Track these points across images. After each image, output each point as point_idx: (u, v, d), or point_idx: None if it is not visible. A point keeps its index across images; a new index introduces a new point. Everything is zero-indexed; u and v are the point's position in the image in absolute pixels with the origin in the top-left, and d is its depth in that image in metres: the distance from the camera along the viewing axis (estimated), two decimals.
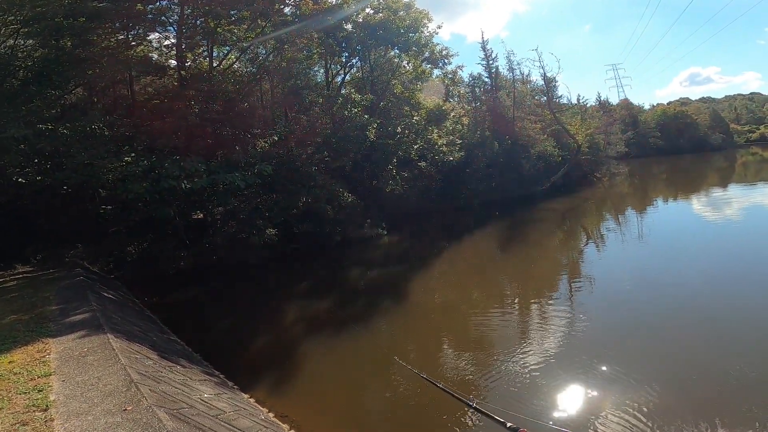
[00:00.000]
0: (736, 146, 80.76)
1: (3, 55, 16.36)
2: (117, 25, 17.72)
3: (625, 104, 73.78)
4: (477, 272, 15.67)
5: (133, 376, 4.86)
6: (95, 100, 20.39)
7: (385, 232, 22.07)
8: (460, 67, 35.45)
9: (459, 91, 36.58)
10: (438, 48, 27.23)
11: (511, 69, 37.36)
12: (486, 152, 30.48)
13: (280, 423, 5.61)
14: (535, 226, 23.56)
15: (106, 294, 10.49)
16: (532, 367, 7.18)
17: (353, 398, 6.91)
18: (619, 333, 8.50)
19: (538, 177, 33.98)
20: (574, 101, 48.97)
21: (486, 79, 36.55)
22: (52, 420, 3.75)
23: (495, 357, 7.79)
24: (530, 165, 33.18)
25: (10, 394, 4.24)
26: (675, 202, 28.41)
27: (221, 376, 7.38)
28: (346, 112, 20.52)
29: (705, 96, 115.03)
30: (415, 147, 23.10)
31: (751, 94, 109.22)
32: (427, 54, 26.30)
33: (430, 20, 25.60)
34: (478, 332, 9.39)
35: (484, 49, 35.89)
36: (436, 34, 28.34)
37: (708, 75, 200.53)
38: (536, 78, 40.77)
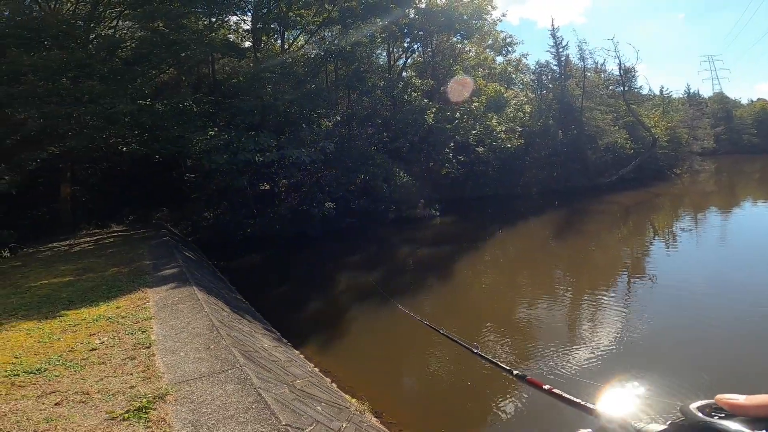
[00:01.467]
0: None
1: (109, 36, 18.61)
2: (201, 9, 19.25)
3: (719, 98, 67.04)
4: (528, 259, 15.45)
5: (214, 322, 5.90)
6: (183, 78, 22.65)
7: (438, 213, 22.47)
8: (525, 56, 34.43)
9: (523, 79, 35.53)
10: (502, 35, 26.68)
11: (582, 58, 35.18)
12: (549, 141, 29.52)
13: (323, 376, 6.51)
14: (596, 218, 22.68)
15: (186, 253, 12.07)
16: (576, 364, 6.72)
17: (388, 360, 7.70)
18: (681, 337, 7.68)
19: (605, 168, 32.34)
20: (657, 93, 45.14)
21: (554, 67, 35.07)
22: (153, 355, 4.66)
23: (537, 348, 7.48)
24: (597, 156, 31.66)
25: (119, 335, 5.20)
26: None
27: (277, 333, 8.44)
28: (405, 96, 20.93)
29: None
30: (473, 132, 23.02)
31: None
32: (490, 41, 25.80)
33: (494, 8, 25.32)
34: (523, 319, 9.13)
35: (553, 36, 34.28)
36: (500, 21, 27.72)
37: None
38: (612, 68, 38.13)
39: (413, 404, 6.18)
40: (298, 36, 23.41)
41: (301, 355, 7.39)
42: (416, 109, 20.30)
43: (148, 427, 3.14)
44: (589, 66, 35.71)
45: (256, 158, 16.09)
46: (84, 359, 4.31)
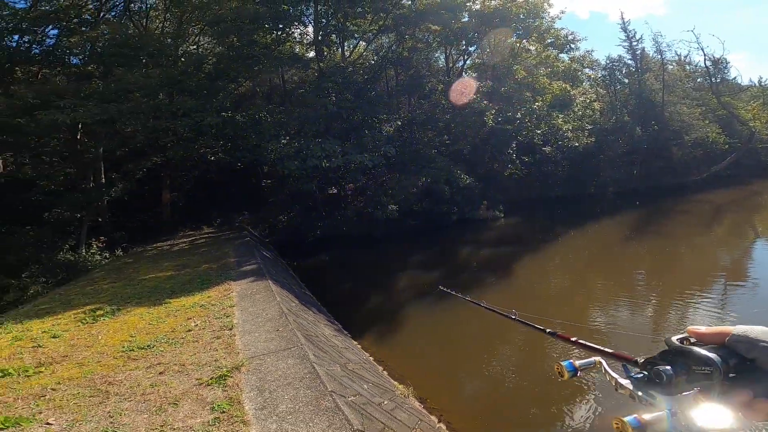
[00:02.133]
0: None
1: (194, 53, 21.05)
2: (267, 24, 20.93)
3: None
4: (604, 261, 14.59)
5: (284, 310, 6.84)
6: (258, 89, 24.94)
7: (502, 215, 22.23)
8: (590, 52, 32.68)
9: (590, 75, 33.83)
10: (563, 33, 25.59)
11: (659, 51, 33.00)
12: (625, 138, 27.73)
13: (376, 364, 7.16)
14: (684, 219, 20.86)
15: (264, 252, 13.50)
16: None
17: (439, 353, 8.15)
18: None
19: (694, 165, 29.66)
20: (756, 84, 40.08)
21: (629, 62, 33.13)
22: (234, 336, 5.66)
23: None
24: (684, 152, 29.11)
25: (209, 319, 6.32)
26: None
27: (339, 324, 9.29)
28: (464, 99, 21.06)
29: None
30: (538, 132, 22.41)
31: None
32: (551, 39, 24.90)
33: (550, 5, 24.35)
34: (595, 326, 8.57)
35: (624, 30, 32.65)
36: (559, 18, 26.18)
37: None
38: (697, 59, 34.92)
39: (458, 394, 6.60)
40: (357, 44, 24.50)
41: (358, 345, 8.13)
42: (475, 111, 20.30)
43: (225, 390, 4.00)
44: (669, 59, 33.17)
45: (323, 164, 17.21)
46: (182, 338, 5.39)
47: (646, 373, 0.87)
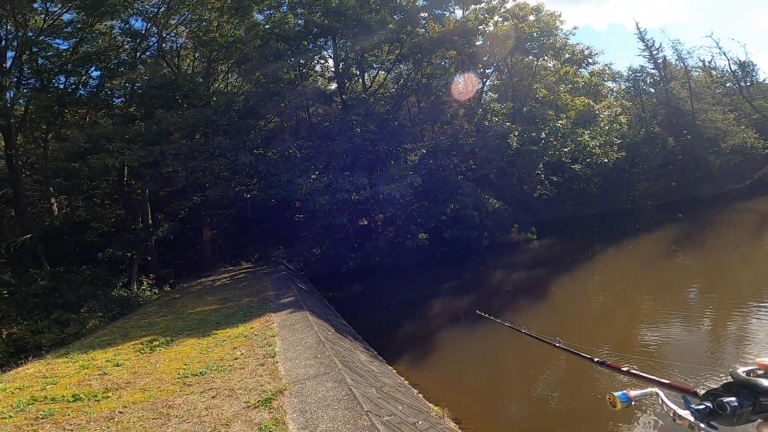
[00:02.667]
0: None
1: (225, 91, 22.49)
2: (291, 60, 22.32)
3: None
4: (647, 279, 13.90)
5: (321, 338, 7.18)
6: (285, 125, 26.15)
7: (535, 237, 21.97)
8: (609, 65, 32.48)
9: (612, 89, 33.51)
10: (578, 48, 25.76)
11: (680, 59, 32.37)
12: (658, 150, 27.09)
13: (412, 388, 7.31)
14: (730, 230, 19.86)
15: (300, 285, 14.02)
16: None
17: (476, 377, 8.21)
18: None
19: (734, 173, 28.37)
20: None
21: (651, 71, 32.71)
22: (277, 363, 6.03)
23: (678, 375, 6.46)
24: (722, 161, 27.99)
25: (253, 348, 6.74)
26: None
27: (374, 351, 9.52)
28: (486, 122, 21.35)
29: None
30: (566, 150, 22.31)
31: None
32: (567, 55, 25.11)
33: (562, 22, 24.74)
34: (644, 350, 8.17)
35: (642, 39, 32.44)
36: (573, 34, 26.66)
37: None
38: (722, 64, 34.18)
39: (494, 416, 6.65)
40: (376, 74, 25.60)
41: (394, 370, 8.32)
42: (498, 134, 20.54)
43: (271, 412, 4.34)
44: (693, 65, 32.48)
45: (353, 197, 17.76)
46: (230, 365, 5.81)
47: (708, 404, 0.86)
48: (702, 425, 0.86)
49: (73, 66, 18.12)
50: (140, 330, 8.85)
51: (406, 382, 7.71)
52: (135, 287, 15.23)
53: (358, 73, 24.17)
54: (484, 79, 25.17)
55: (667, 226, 22.19)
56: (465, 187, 20.65)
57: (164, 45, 21.42)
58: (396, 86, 25.96)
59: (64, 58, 17.92)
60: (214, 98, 21.20)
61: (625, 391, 1.06)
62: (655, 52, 32.35)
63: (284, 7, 22.97)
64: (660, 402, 1.01)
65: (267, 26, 22.62)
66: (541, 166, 22.46)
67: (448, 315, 12.69)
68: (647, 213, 25.55)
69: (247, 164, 17.99)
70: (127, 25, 19.82)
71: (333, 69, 23.61)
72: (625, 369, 1.32)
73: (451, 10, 23.95)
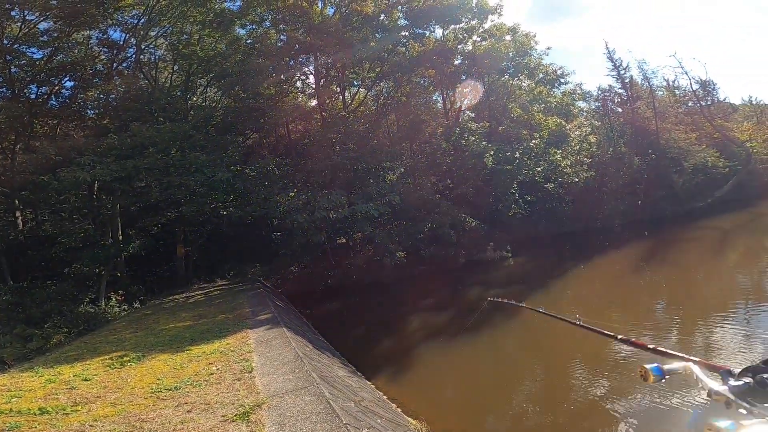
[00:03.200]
0: None
1: (203, 106, 22.12)
2: (272, 76, 22.15)
3: None
4: (616, 294, 14.60)
5: (299, 353, 7.12)
6: (264, 141, 25.89)
7: (510, 255, 22.41)
8: (579, 85, 33.87)
9: (583, 108, 34.50)
10: (551, 68, 26.89)
11: (646, 78, 34.06)
12: (624, 169, 28.30)
13: (391, 403, 7.29)
14: (694, 247, 20.84)
15: (277, 302, 13.85)
16: None
17: (455, 390, 8.26)
18: None
19: (697, 192, 29.88)
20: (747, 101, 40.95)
21: (620, 91, 34.12)
22: (254, 377, 5.97)
23: (638, 396, 6.61)
24: (684, 179, 29.47)
25: (230, 363, 6.62)
26: None
27: (353, 366, 9.46)
28: (463, 141, 21.87)
29: None
30: (539, 170, 23.06)
31: None
32: (541, 75, 26.14)
33: (536, 42, 25.64)
34: (618, 359, 8.39)
35: (611, 59, 33.77)
36: (546, 54, 27.46)
37: None
38: (686, 84, 35.91)
39: (472, 428, 6.70)
40: (357, 91, 25.92)
41: (372, 385, 8.29)
42: (475, 153, 21.05)
43: (249, 425, 4.29)
44: (659, 85, 34.08)
45: (331, 215, 17.71)
46: (206, 380, 5.70)
47: (749, 381, 0.85)
48: (741, 401, 0.85)
49: (46, 75, 17.69)
50: (109, 345, 8.55)
51: (385, 396, 7.70)
52: (103, 303, 14.64)
53: (338, 90, 24.44)
54: (462, 99, 25.87)
55: (634, 243, 23.05)
56: (442, 206, 20.96)
57: (142, 56, 21.14)
58: (376, 104, 26.31)
59: (38, 67, 17.48)
60: (192, 112, 20.95)
61: (658, 364, 1.01)
62: (622, 72, 33.68)
63: (267, 23, 23.09)
64: (694, 378, 0.98)
65: (249, 41, 22.72)
66: (515, 185, 23.07)
67: (426, 330, 12.80)
68: (616, 231, 26.49)
69: (224, 181, 17.77)
70: (104, 36, 19.50)
71: (314, 85, 23.82)
72: (651, 347, 1.26)
73: (432, 29, 24.58)
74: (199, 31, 21.08)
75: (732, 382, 0.88)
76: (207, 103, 23.50)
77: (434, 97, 28.34)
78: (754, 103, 40.23)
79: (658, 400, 6.33)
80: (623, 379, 7.31)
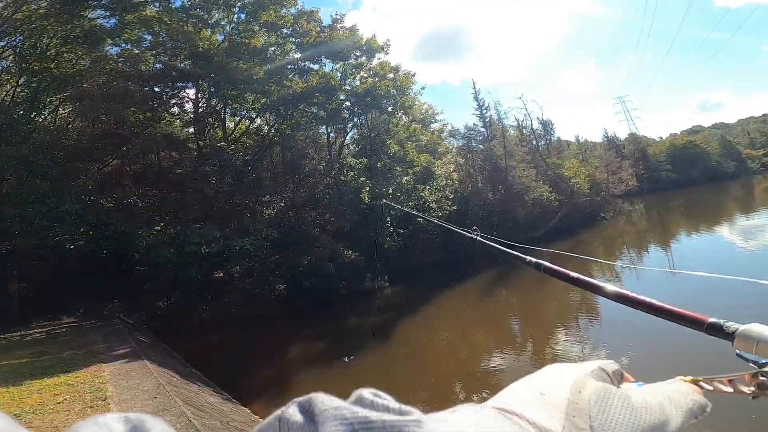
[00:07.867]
0: (751, 173, 73.39)
1: (51, 130, 19.32)
2: (141, 103, 20.74)
3: (633, 138, 70.67)
4: (477, 313, 16.99)
5: (161, 382, 6.95)
6: (128, 168, 23.00)
7: (387, 284, 23.78)
8: (445, 125, 36.55)
9: (448, 147, 37.05)
10: (424, 107, 29.67)
11: (499, 118, 37.56)
12: (481, 204, 32.36)
13: None
14: (531, 270, 24.68)
15: (140, 338, 12.71)
16: None
17: None
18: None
19: (536, 222, 35.21)
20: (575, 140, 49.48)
21: (481, 129, 36.74)
22: (109, 404, 5.79)
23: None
24: (526, 212, 34.65)
25: (80, 393, 6.22)
26: (700, 234, 27.76)
27: (227, 394, 9.32)
28: (342, 177, 23.10)
29: (718, 122, 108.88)
30: (410, 204, 25.24)
31: (763, 116, 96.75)
32: (417, 113, 28.34)
33: (414, 83, 27.61)
34: (475, 371, 10.18)
35: (476, 98, 36.10)
36: (421, 94, 29.68)
37: (719, 100, 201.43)
38: (531, 124, 40.80)
39: None
40: (239, 121, 25.34)
41: (248, 410, 8.32)
42: (353, 188, 22.29)
43: None
44: (510, 124, 38.31)
45: (202, 250, 16.96)
46: (51, 409, 5.29)
47: None
48: None
49: None
50: None
51: (260, 418, 7.80)
52: None
53: (219, 121, 23.68)
54: (344, 134, 26.99)
55: (490, 270, 26.44)
56: (322, 239, 21.54)
57: None
58: (259, 136, 26.08)
59: None
60: (35, 134, 18.30)
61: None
62: (485, 111, 36.53)
63: (146, 43, 21.27)
64: None
65: (120, 61, 20.78)
66: (389, 219, 24.86)
67: (306, 359, 13.14)
68: (477, 259, 30.04)
69: (71, 212, 15.85)
70: None
71: (192, 113, 22.78)
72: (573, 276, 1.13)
73: (323, 64, 25.20)
74: (58, 46, 18.76)
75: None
76: (57, 124, 20.72)
77: (320, 130, 28.78)
78: (581, 141, 49.48)
79: None
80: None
